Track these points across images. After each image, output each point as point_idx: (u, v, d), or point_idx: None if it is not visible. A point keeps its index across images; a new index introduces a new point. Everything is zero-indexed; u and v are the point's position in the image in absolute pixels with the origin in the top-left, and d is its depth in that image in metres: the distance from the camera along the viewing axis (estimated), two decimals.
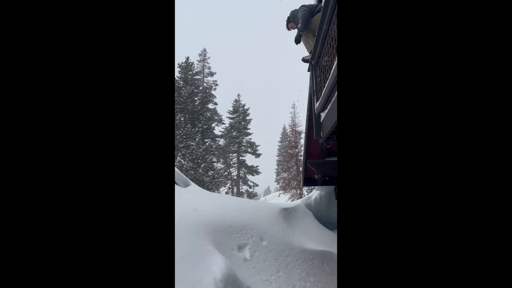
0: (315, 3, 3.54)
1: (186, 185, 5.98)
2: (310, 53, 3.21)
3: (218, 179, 13.77)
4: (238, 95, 22.54)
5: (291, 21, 3.52)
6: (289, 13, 3.56)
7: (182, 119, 13.21)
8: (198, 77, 18.66)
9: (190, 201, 3.85)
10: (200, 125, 12.90)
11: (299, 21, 3.27)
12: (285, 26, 3.64)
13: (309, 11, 3.27)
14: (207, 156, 12.22)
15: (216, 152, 13.81)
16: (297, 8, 3.45)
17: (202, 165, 11.63)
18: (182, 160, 11.53)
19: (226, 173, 20.28)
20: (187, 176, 11.09)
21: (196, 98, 15.47)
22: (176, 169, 6.44)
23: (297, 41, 3.34)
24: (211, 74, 19.81)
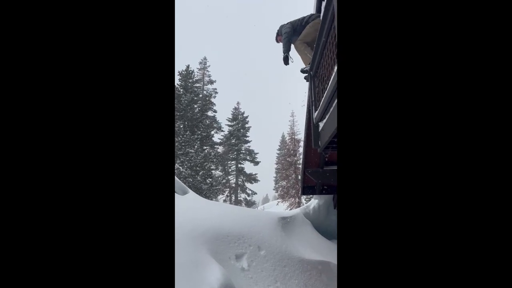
0: (309, 14, 3.66)
1: (184, 192, 5.94)
2: (307, 64, 3.28)
3: (216, 186, 13.70)
4: (238, 103, 22.67)
5: (280, 34, 3.70)
6: (279, 27, 3.73)
7: (181, 126, 13.24)
8: (198, 85, 18.79)
9: (187, 209, 3.82)
10: (199, 132, 12.92)
11: (283, 43, 3.43)
12: (275, 39, 3.81)
13: (291, 29, 3.46)
14: (206, 163, 12.20)
15: (214, 160, 13.79)
16: (285, 23, 3.64)
17: (201, 173, 11.59)
18: (180, 167, 11.49)
19: (224, 180, 20.19)
20: (185, 183, 11.05)
21: (195, 106, 15.55)
22: (176, 178, 6.42)
23: (285, 62, 3.51)
24: (211, 82, 19.96)
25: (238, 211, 4.86)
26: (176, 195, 4.74)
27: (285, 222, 4.49)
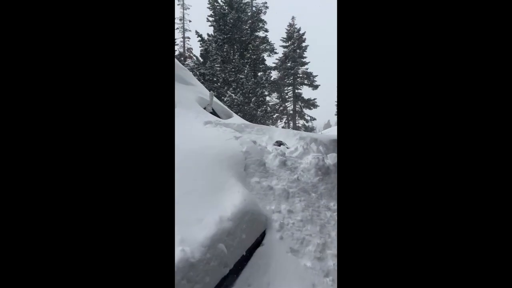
0: None
1: (228, 117, 5.73)
2: None
3: (270, 113, 13.39)
4: (293, 18, 19.81)
5: None
6: None
7: (231, 51, 12.44)
8: (246, 0, 16.71)
9: (219, 133, 3.51)
10: (249, 55, 11.94)
11: None
12: None
13: None
14: (258, 89, 11.62)
15: (266, 85, 13.04)
16: None
17: (253, 99, 11.21)
18: (233, 94, 11.28)
19: (281, 108, 19.70)
20: (238, 111, 10.97)
21: (245, 27, 14.12)
22: (218, 100, 6.18)
23: None
24: None
25: (285, 133, 4.42)
26: (215, 118, 4.50)
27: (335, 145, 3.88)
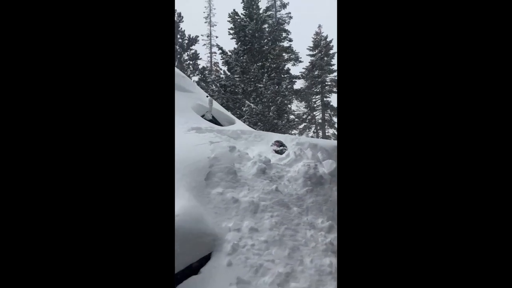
0: None
1: (231, 123, 5.44)
2: None
3: (292, 122, 12.81)
4: (319, 26, 19.31)
5: None
6: None
7: (251, 60, 12.35)
8: (270, 12, 16.76)
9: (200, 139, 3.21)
10: (268, 64, 11.69)
11: None
12: None
13: None
14: (278, 98, 11.23)
15: (286, 93, 12.58)
16: None
17: (272, 107, 10.82)
18: (252, 104, 11.05)
19: (309, 117, 19.00)
20: (258, 120, 10.67)
21: (269, 38, 14.03)
22: (220, 107, 5.95)
23: None
24: (284, 5, 17.42)
25: (284, 138, 3.96)
26: (208, 124, 4.23)
27: None
